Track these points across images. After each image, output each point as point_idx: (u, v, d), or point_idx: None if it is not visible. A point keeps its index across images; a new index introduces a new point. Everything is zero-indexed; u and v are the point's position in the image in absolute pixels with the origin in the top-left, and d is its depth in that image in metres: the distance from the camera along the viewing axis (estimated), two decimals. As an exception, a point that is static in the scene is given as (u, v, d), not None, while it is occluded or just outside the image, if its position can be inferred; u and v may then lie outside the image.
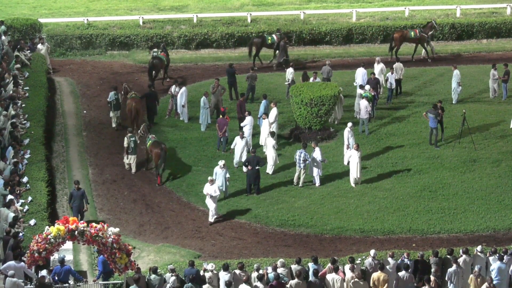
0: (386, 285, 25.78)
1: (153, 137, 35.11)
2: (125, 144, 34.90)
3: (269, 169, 35.05)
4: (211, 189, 31.25)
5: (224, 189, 32.76)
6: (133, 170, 35.32)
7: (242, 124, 36.69)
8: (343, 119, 38.82)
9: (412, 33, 47.43)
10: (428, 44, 48.16)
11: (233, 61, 45.45)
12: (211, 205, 31.42)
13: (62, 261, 25.81)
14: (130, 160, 35.23)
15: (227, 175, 32.69)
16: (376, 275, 25.90)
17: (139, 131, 35.83)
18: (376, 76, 41.23)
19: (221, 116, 36.74)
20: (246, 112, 36.76)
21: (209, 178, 31.51)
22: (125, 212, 32.47)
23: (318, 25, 50.98)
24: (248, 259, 27.48)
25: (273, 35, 46.97)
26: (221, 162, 32.55)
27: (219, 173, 32.45)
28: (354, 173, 33.86)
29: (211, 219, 31.60)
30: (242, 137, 34.90)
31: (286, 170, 35.38)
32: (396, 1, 56.68)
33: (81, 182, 33.91)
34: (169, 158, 36.01)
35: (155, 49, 45.02)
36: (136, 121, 37.32)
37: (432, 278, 25.83)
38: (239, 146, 34.80)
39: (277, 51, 46.51)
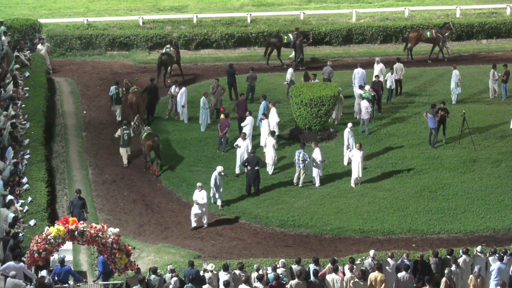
0: (383, 285, 25.76)
1: (148, 129, 35.40)
2: (116, 135, 35.43)
3: (269, 169, 35.02)
4: (199, 196, 30.95)
5: (219, 195, 32.47)
6: (125, 162, 35.54)
7: (242, 124, 36.65)
8: (343, 120, 38.83)
9: (428, 33, 47.47)
10: (444, 45, 48.16)
11: (233, 62, 45.45)
12: (197, 212, 31.00)
13: (62, 261, 25.81)
14: (122, 152, 35.50)
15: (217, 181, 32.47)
16: (374, 275, 25.89)
17: (132, 123, 36.04)
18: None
19: (223, 116, 36.67)
20: (247, 112, 36.73)
21: (198, 184, 31.20)
22: (125, 213, 32.47)
23: (318, 26, 50.96)
24: (248, 259, 27.47)
25: (290, 34, 46.97)
26: (220, 168, 32.23)
27: (218, 178, 32.15)
28: (356, 172, 33.82)
29: (205, 224, 31.36)
30: (244, 138, 34.80)
31: (286, 170, 35.37)
32: (396, 1, 56.67)
33: (81, 183, 34.05)
34: (169, 158, 36.08)
35: (168, 46, 45.19)
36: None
37: (443, 279, 25.78)
38: (241, 148, 34.64)
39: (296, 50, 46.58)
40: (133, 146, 36.04)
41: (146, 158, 35.39)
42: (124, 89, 39.38)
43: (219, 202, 32.58)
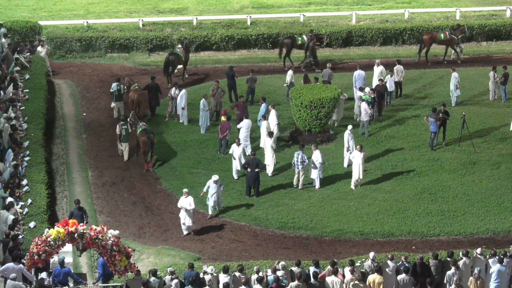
0: (381, 287, 25.75)
1: (144, 124, 35.85)
2: (117, 132, 35.92)
3: (268, 170, 34.98)
4: (185, 202, 30.61)
5: (218, 203, 32.25)
6: (125, 157, 35.96)
7: (238, 126, 36.63)
8: (343, 122, 38.84)
9: (442, 35, 47.49)
10: (458, 46, 48.13)
11: (232, 64, 45.47)
12: (185, 218, 30.63)
13: (62, 262, 25.81)
14: (122, 147, 35.95)
15: (221, 188, 32.13)
16: (372, 277, 25.90)
17: (128, 118, 36.24)
18: (375, 78, 41.29)
19: (224, 118, 36.60)
20: (244, 115, 36.70)
21: (184, 190, 30.92)
22: (124, 215, 32.46)
23: (318, 28, 50.94)
24: (248, 261, 27.46)
25: (304, 36, 46.93)
26: (215, 177, 31.91)
27: (212, 186, 31.78)
28: (356, 174, 33.79)
29: (192, 223, 30.98)
30: (238, 144, 34.67)
31: (285, 172, 35.36)
32: (395, 3, 56.65)
33: (80, 185, 34.04)
34: (169, 160, 36.09)
35: (179, 46, 45.25)
36: (137, 113, 37.75)
37: (453, 286, 25.75)
38: (236, 154, 34.48)
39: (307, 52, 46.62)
40: (131, 143, 36.30)
41: (138, 152, 35.98)
42: (125, 87, 39.61)
43: (210, 208, 32.12)
